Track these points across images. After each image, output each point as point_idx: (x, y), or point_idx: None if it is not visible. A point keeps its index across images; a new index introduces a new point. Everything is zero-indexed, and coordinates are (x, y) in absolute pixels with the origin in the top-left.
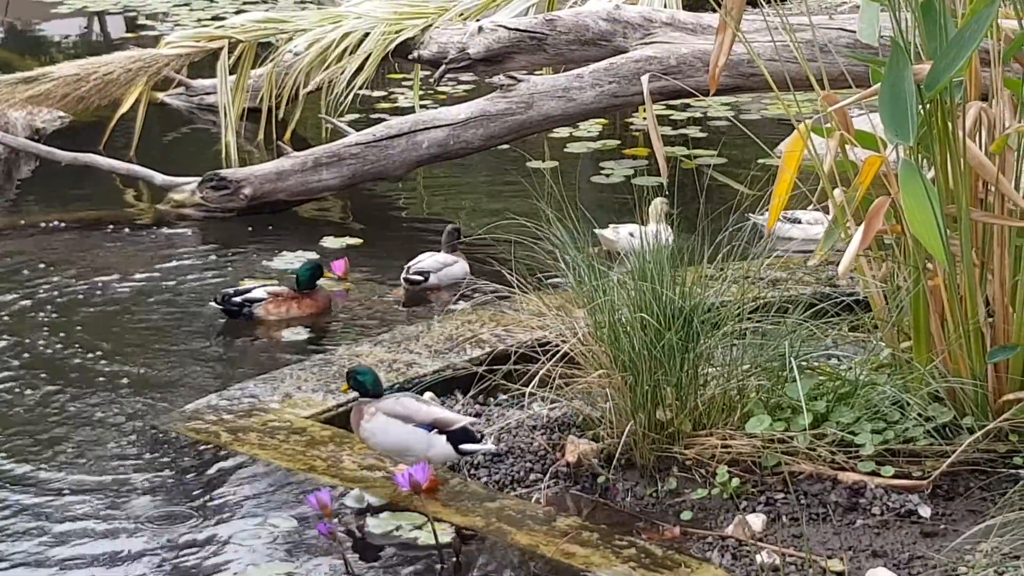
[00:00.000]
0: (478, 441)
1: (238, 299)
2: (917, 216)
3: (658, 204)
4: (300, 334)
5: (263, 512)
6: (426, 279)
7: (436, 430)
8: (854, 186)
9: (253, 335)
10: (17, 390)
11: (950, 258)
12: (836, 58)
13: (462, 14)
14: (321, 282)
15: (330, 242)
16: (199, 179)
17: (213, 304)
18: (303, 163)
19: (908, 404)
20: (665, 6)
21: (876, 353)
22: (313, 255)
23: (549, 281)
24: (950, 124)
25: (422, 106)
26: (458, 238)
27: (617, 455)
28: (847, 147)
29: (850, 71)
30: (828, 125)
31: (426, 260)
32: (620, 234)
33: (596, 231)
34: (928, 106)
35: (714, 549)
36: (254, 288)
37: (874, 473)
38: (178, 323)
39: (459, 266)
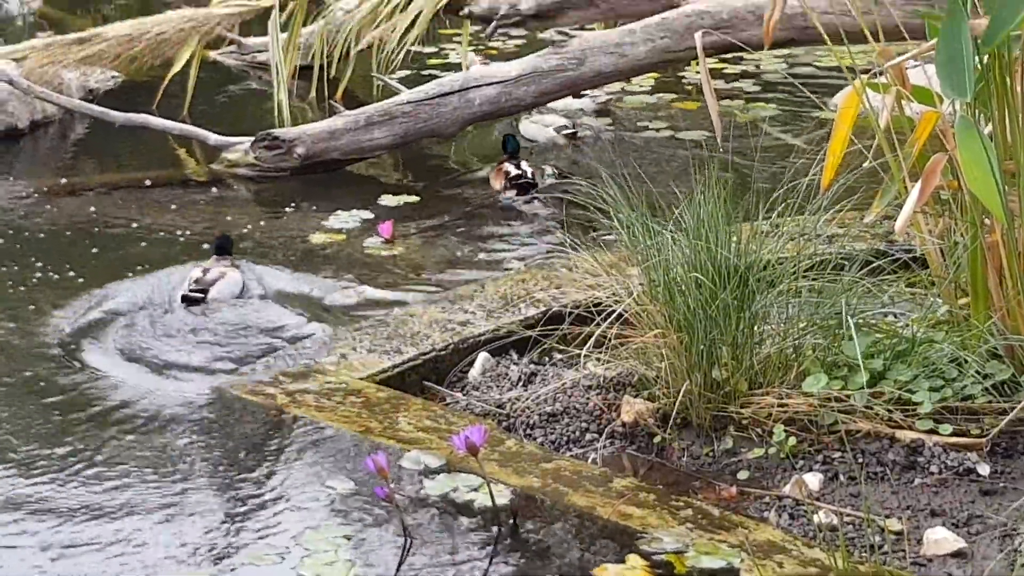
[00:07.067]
0: None
1: None
2: (974, 172)
3: None
4: (351, 296)
5: (321, 475)
6: None
7: None
8: (910, 142)
9: (308, 296)
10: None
11: (1008, 214)
12: (891, 11)
13: None
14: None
15: (388, 200)
16: (252, 138)
17: None
18: (355, 122)
19: (966, 361)
20: None
21: (933, 310)
22: (369, 215)
23: (602, 239)
24: (1008, 79)
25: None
26: None
27: (673, 415)
28: (903, 102)
29: (905, 24)
30: (883, 80)
31: None
32: None
33: None
34: (985, 60)
35: (771, 509)
36: None
37: (932, 431)
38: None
39: None
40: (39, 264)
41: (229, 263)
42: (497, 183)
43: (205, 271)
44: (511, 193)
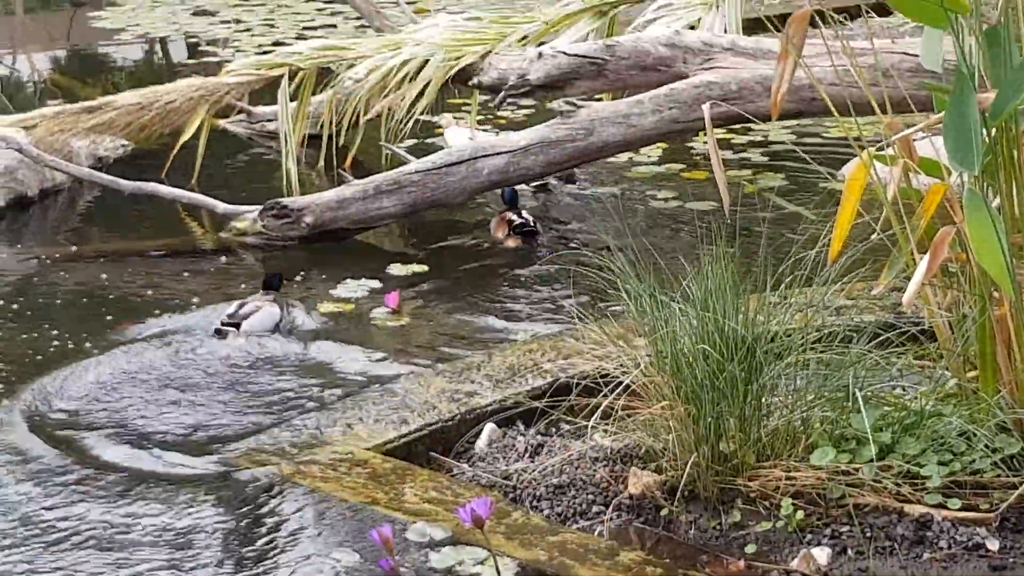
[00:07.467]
0: None
1: None
2: (983, 245)
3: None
4: (359, 363)
5: (326, 546)
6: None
7: None
8: (918, 214)
9: (316, 365)
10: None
11: (1016, 287)
12: (899, 83)
13: (522, 40)
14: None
15: (396, 269)
16: (260, 207)
17: None
18: (364, 191)
19: (975, 435)
20: (725, 31)
21: (942, 383)
22: (377, 284)
23: (609, 310)
24: (1015, 152)
25: (483, 130)
26: None
27: (680, 487)
28: (911, 174)
29: (913, 96)
30: (891, 152)
31: None
32: None
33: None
34: (993, 134)
35: None
36: None
37: (941, 505)
38: (242, 353)
39: None
40: (54, 332)
41: (272, 299)
42: (500, 232)
43: (241, 304)
44: (514, 242)
